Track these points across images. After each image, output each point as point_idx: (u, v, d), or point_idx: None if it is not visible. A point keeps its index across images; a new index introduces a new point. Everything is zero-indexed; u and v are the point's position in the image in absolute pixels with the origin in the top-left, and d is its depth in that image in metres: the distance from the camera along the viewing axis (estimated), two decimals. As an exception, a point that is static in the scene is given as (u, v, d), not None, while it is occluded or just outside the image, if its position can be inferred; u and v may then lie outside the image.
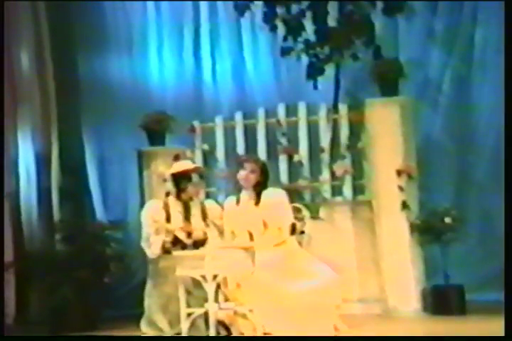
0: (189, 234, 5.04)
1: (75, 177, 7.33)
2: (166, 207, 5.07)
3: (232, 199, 5.15)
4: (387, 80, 6.58)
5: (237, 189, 5.10)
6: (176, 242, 4.98)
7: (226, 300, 4.83)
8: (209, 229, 5.09)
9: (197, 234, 5.04)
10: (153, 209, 5.09)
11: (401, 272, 6.44)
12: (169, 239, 4.95)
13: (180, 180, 5.05)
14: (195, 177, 5.07)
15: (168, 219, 5.04)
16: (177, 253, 4.86)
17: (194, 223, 5.06)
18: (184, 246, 4.99)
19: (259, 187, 5.03)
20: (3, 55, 6.74)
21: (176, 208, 5.08)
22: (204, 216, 5.10)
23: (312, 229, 5.34)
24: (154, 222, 5.02)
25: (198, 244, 5.04)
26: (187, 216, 5.06)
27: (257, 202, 5.00)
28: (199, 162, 6.98)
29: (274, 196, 5.03)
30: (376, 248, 6.60)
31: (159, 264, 5.01)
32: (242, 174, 5.04)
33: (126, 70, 7.78)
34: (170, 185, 5.08)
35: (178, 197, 5.09)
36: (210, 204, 5.26)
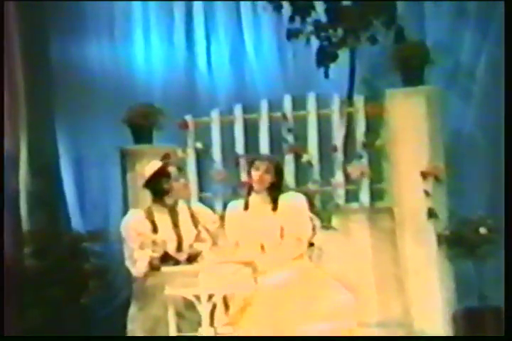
0: (180, 247, 5.02)
1: (47, 181, 7.32)
2: (150, 217, 5.05)
3: (238, 203, 5.13)
4: (411, 67, 6.58)
5: (246, 193, 5.08)
6: (166, 258, 4.97)
7: (224, 323, 4.80)
8: (202, 238, 5.10)
9: (191, 248, 5.04)
10: (136, 220, 5.07)
11: (428, 291, 6.44)
12: (157, 254, 4.95)
13: (159, 181, 5.04)
14: (173, 171, 5.06)
15: (154, 230, 5.02)
16: (166, 269, 4.83)
17: (184, 231, 5.05)
18: (177, 262, 4.98)
19: (275, 190, 5.01)
20: (3, 54, 6.85)
21: (162, 216, 5.07)
22: (195, 222, 5.10)
23: (323, 240, 5.23)
24: (138, 235, 5.00)
25: (192, 258, 5.04)
26: (175, 223, 5.04)
27: (275, 207, 4.99)
28: (192, 162, 6.99)
29: (295, 201, 5.03)
30: (398, 263, 6.59)
31: (146, 282, 4.97)
32: (255, 175, 5.01)
33: (107, 56, 7.82)
34: (150, 194, 5.09)
35: (162, 202, 5.07)
36: (198, 207, 5.27)
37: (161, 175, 5.04)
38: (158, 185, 5.04)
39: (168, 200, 5.06)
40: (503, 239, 6.22)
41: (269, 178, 4.99)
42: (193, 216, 5.11)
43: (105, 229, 7.14)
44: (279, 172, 5.06)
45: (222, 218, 5.25)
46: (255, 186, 5.01)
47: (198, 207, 5.24)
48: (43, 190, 7.16)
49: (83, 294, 6.79)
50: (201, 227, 5.10)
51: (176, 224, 5.04)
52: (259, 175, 4.98)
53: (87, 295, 6.79)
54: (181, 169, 5.19)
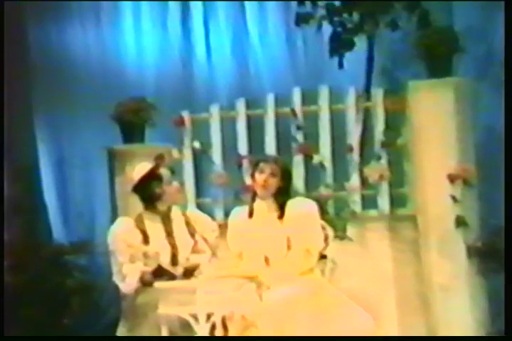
0: (175, 259, 5.02)
1: (25, 185, 7.31)
2: (141, 225, 5.06)
3: (242, 210, 5.14)
4: (437, 56, 6.56)
5: (251, 198, 5.09)
6: (160, 272, 4.98)
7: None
8: (200, 249, 5.10)
9: (187, 261, 5.04)
10: (124, 229, 5.08)
11: (457, 311, 6.41)
12: (150, 268, 4.95)
13: (150, 186, 5.04)
14: (164, 173, 5.07)
15: (145, 241, 5.02)
16: (160, 285, 4.84)
17: (179, 241, 5.03)
18: (172, 277, 4.97)
19: (281, 196, 5.03)
20: (3, 53, 6.96)
21: (153, 224, 5.06)
22: (191, 231, 5.10)
23: (337, 252, 5.31)
24: (128, 246, 5.02)
25: (189, 272, 5.04)
26: (169, 233, 5.04)
27: (281, 214, 5.01)
28: (189, 164, 6.96)
29: (304, 207, 5.05)
30: (423, 278, 6.55)
31: (136, 300, 5.00)
32: (259, 179, 5.03)
33: (93, 44, 7.81)
34: (140, 199, 5.11)
35: (154, 208, 5.07)
36: (194, 214, 5.28)
37: (151, 178, 5.06)
38: (148, 190, 5.06)
39: (161, 206, 5.08)
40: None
41: (275, 182, 5.01)
42: (188, 224, 5.12)
43: (91, 240, 7.14)
44: (286, 175, 5.08)
45: (222, 227, 5.28)
46: (259, 191, 5.04)
47: (194, 214, 5.26)
48: (20, 196, 7.14)
49: (65, 313, 6.80)
50: (198, 237, 5.12)
51: (169, 234, 5.05)
52: (264, 178, 5.01)
53: (70, 314, 6.79)
54: (174, 171, 5.22)
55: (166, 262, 5.01)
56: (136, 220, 5.07)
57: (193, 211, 5.37)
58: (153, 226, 5.05)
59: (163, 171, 5.09)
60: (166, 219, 5.08)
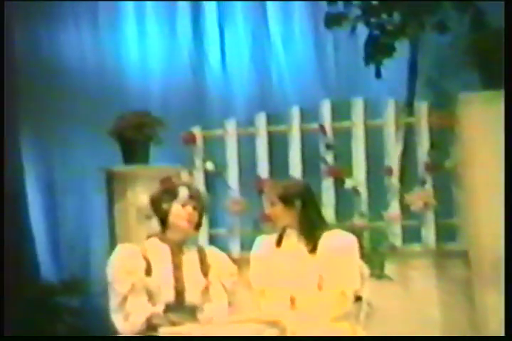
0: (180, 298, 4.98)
1: (9, 215, 7.22)
2: (145, 253, 5.03)
3: (268, 238, 5.12)
4: (493, 63, 6.54)
5: (265, 229, 5.10)
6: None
7: None
8: (213, 293, 5.06)
9: (191, 297, 5.00)
10: (125, 255, 5.05)
11: None
12: (159, 309, 4.88)
13: (160, 200, 5.05)
14: (182, 191, 5.05)
15: (148, 272, 4.99)
16: (166, 330, 4.83)
17: (188, 276, 5.01)
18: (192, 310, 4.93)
19: (310, 226, 5.01)
20: (3, 53, 7.13)
21: (160, 253, 5.04)
22: (204, 268, 5.06)
23: (374, 293, 5.24)
24: (128, 274, 4.97)
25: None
26: (177, 265, 5.01)
27: (314, 248, 5.00)
28: (200, 188, 6.83)
29: (342, 242, 5.03)
30: (477, 325, 6.53)
31: None
32: (270, 212, 5.04)
33: (89, 50, 7.84)
34: (154, 220, 5.09)
35: (163, 235, 5.05)
36: (212, 250, 5.23)
37: (164, 192, 5.07)
38: (157, 205, 5.03)
39: (172, 234, 5.03)
40: None
41: (279, 212, 4.98)
42: (203, 261, 5.08)
43: (85, 278, 7.15)
44: (288, 199, 5.00)
45: (238, 262, 5.23)
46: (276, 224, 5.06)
47: (212, 251, 5.20)
48: (2, 227, 7.05)
49: (55, 364, 6.84)
50: (214, 278, 5.05)
51: (177, 266, 5.01)
52: (273, 211, 4.99)
53: (60, 365, 6.84)
54: (197, 196, 5.08)
55: (168, 299, 4.95)
56: (141, 247, 5.04)
57: (211, 248, 5.31)
58: (159, 255, 5.01)
59: (182, 189, 5.05)
60: (176, 250, 5.03)
